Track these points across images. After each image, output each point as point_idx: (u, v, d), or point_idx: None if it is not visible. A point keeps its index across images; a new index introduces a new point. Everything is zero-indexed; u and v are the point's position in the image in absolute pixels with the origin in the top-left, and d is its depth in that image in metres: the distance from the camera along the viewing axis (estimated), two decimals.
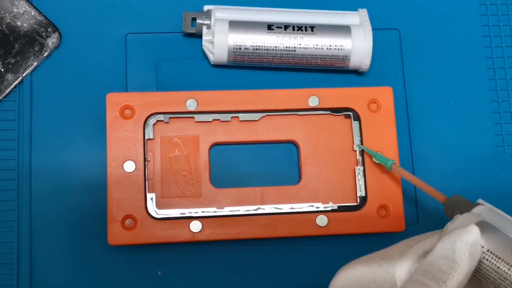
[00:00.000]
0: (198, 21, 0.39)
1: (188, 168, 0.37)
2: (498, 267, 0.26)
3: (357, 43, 0.38)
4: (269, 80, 0.40)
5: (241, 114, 0.38)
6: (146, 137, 0.37)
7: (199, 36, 0.39)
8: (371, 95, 0.38)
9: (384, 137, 0.38)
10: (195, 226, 0.36)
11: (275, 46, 0.38)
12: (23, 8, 0.39)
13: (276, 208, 0.37)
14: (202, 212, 0.36)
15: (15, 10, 0.39)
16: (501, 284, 0.26)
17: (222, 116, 0.38)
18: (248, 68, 0.40)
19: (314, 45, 0.38)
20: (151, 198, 0.36)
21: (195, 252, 0.37)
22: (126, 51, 0.40)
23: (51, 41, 0.39)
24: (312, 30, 0.38)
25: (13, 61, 0.39)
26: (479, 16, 0.43)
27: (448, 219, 0.29)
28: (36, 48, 0.39)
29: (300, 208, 0.37)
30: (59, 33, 0.39)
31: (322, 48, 0.38)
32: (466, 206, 0.29)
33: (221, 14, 0.39)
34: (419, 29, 0.42)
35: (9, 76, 0.38)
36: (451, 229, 0.27)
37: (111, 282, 0.37)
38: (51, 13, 0.39)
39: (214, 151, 0.38)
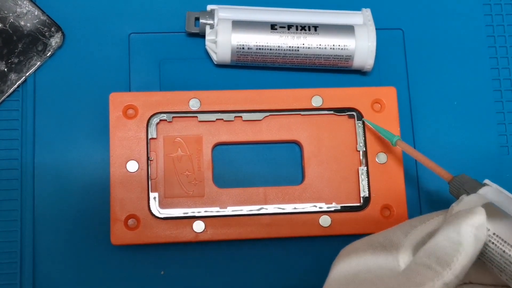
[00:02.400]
0: (201, 20, 0.39)
1: (191, 168, 0.37)
2: (504, 251, 0.25)
3: (360, 43, 0.38)
4: (272, 80, 0.40)
5: (244, 114, 0.38)
6: (149, 137, 0.37)
7: (202, 36, 0.39)
8: (374, 95, 0.38)
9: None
10: (198, 226, 0.36)
11: (279, 46, 0.38)
12: (27, 8, 0.39)
13: (279, 208, 0.37)
14: (205, 212, 0.36)
15: (18, 9, 0.39)
16: (506, 268, 0.25)
17: (225, 116, 0.38)
18: (251, 68, 0.40)
19: (317, 45, 0.38)
20: (154, 198, 0.36)
21: (198, 252, 0.37)
22: (129, 51, 0.40)
23: (54, 41, 0.39)
24: (315, 30, 0.38)
25: (16, 60, 0.39)
26: (483, 16, 0.43)
27: (453, 199, 0.29)
28: (40, 48, 0.39)
29: (303, 208, 0.37)
30: (63, 32, 0.39)
31: (325, 48, 0.38)
32: (473, 186, 0.28)
33: (224, 13, 0.39)
34: (423, 29, 0.42)
35: (13, 76, 0.38)
36: (457, 210, 0.26)
37: (114, 282, 0.37)
38: (55, 13, 0.39)
39: (217, 151, 0.38)
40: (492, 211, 0.26)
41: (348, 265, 0.26)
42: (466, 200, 0.27)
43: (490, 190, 0.28)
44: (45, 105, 0.38)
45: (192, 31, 0.39)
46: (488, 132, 0.41)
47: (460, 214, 0.26)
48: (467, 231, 0.25)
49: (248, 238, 0.36)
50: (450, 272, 0.24)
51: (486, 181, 0.28)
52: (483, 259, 0.26)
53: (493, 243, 0.25)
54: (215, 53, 0.38)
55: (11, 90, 0.38)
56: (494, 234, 0.25)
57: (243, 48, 0.38)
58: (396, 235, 0.27)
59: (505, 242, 0.25)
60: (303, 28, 0.38)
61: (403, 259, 0.26)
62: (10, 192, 0.37)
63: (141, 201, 0.36)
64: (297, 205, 0.37)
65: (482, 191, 0.28)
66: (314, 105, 0.38)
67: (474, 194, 0.27)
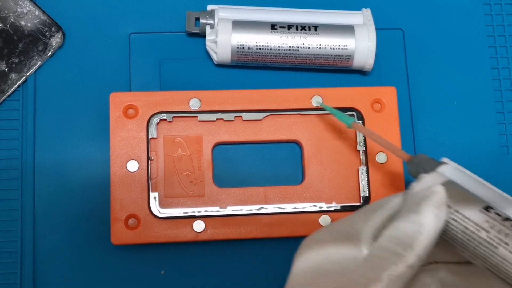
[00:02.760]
0: (201, 20, 0.39)
1: (191, 167, 0.37)
2: (466, 228, 0.25)
3: (360, 43, 0.38)
4: (273, 80, 0.40)
5: (244, 113, 0.38)
6: (150, 137, 0.37)
7: (202, 35, 0.39)
8: (374, 95, 0.38)
9: (387, 137, 0.37)
10: (198, 225, 0.36)
11: (279, 46, 0.38)
12: (27, 8, 0.39)
13: (279, 208, 0.37)
14: (205, 211, 0.36)
15: (19, 9, 0.39)
16: (469, 244, 0.25)
17: (225, 116, 0.38)
18: (252, 67, 0.40)
19: (317, 45, 0.38)
20: (154, 198, 0.36)
21: (198, 251, 0.37)
22: (129, 51, 0.40)
23: (55, 41, 0.39)
24: (315, 30, 0.38)
25: (17, 60, 0.39)
26: (483, 16, 0.43)
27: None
28: (40, 48, 0.39)
29: (303, 208, 0.37)
30: (63, 32, 0.39)
31: (325, 48, 0.38)
32: (431, 165, 0.28)
33: (225, 13, 0.39)
34: (423, 28, 0.42)
35: (13, 76, 0.38)
36: (416, 190, 0.26)
37: (114, 282, 0.37)
38: (55, 13, 0.40)
39: (218, 151, 0.38)
40: (452, 188, 0.26)
41: (311, 257, 0.25)
42: (425, 179, 0.27)
43: (449, 168, 0.27)
44: (46, 105, 0.39)
45: (192, 31, 0.39)
46: (488, 132, 0.41)
47: (420, 194, 0.25)
48: (427, 211, 0.24)
49: (248, 237, 0.36)
50: (413, 254, 0.24)
51: (444, 159, 0.28)
52: (446, 237, 0.26)
53: (454, 220, 0.25)
54: (215, 53, 0.38)
55: (12, 90, 0.38)
56: (455, 211, 0.25)
57: (243, 48, 0.38)
58: (357, 221, 0.26)
59: (466, 218, 0.25)
60: (303, 28, 0.38)
61: (365, 245, 0.25)
62: (10, 192, 0.37)
63: (141, 201, 0.36)
64: (297, 205, 0.37)
65: (441, 169, 0.27)
66: (314, 105, 0.38)
67: (433, 173, 0.27)
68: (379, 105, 0.38)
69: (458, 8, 0.43)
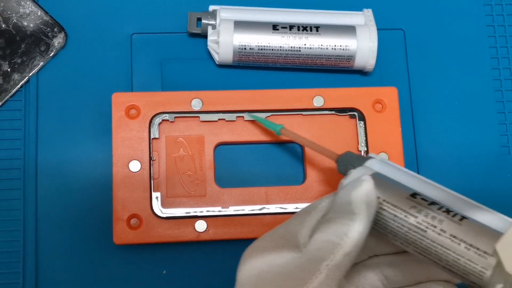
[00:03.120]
0: (203, 21, 0.39)
1: (193, 167, 0.37)
2: (395, 215, 0.26)
3: (362, 43, 0.38)
4: (274, 80, 0.40)
5: (246, 114, 0.38)
6: (152, 137, 0.37)
7: (204, 36, 0.40)
8: (376, 95, 0.38)
9: (389, 138, 0.38)
10: (200, 225, 0.36)
11: (280, 46, 0.38)
12: (30, 8, 0.39)
13: (280, 208, 0.37)
14: (207, 211, 0.36)
15: (21, 10, 0.39)
16: (399, 231, 0.26)
17: (227, 116, 0.38)
18: (253, 68, 0.40)
19: (319, 45, 0.38)
20: (156, 198, 0.36)
21: (200, 251, 0.37)
22: (131, 51, 0.40)
23: (57, 41, 0.39)
24: (317, 30, 0.38)
25: (19, 61, 0.39)
26: (484, 16, 0.43)
27: None
28: (42, 48, 0.39)
29: None
30: (65, 33, 0.39)
31: (327, 48, 0.38)
32: (358, 160, 0.29)
33: (226, 14, 0.39)
34: (424, 29, 0.42)
35: (16, 76, 0.39)
36: (345, 184, 0.27)
37: (117, 281, 0.37)
38: (57, 13, 0.40)
39: (219, 151, 0.38)
40: (380, 181, 0.27)
41: (253, 266, 0.26)
42: (353, 174, 0.28)
43: (375, 162, 0.28)
44: (48, 105, 0.39)
45: (194, 32, 0.39)
46: (489, 132, 0.41)
47: (349, 185, 0.26)
48: (357, 199, 0.25)
49: (250, 237, 0.36)
50: (348, 241, 0.24)
51: (371, 154, 0.29)
52: (377, 227, 0.27)
53: (384, 209, 0.26)
54: (217, 53, 0.38)
55: (14, 90, 0.39)
56: (384, 201, 0.26)
57: (245, 48, 0.38)
58: (294, 224, 0.27)
59: (395, 206, 0.26)
60: (305, 28, 0.38)
61: (303, 245, 0.26)
62: (12, 192, 0.37)
63: (143, 201, 0.36)
64: (298, 205, 0.37)
65: (368, 163, 0.28)
66: (315, 105, 0.38)
67: (360, 167, 0.28)
68: (380, 105, 0.38)
69: (459, 9, 0.43)
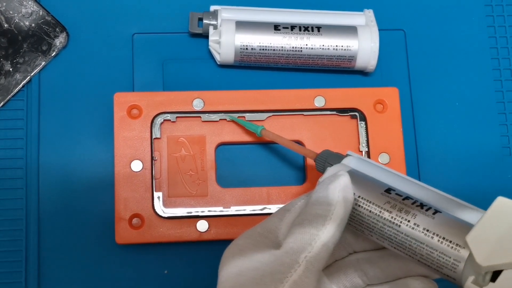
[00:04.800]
0: (204, 21, 0.39)
1: (195, 167, 0.37)
2: (370, 211, 0.26)
3: (363, 44, 0.38)
4: (275, 80, 0.40)
5: (247, 114, 0.38)
6: (153, 137, 0.37)
7: (205, 36, 0.40)
8: (377, 95, 0.38)
9: (390, 138, 0.38)
10: (202, 225, 0.36)
11: (282, 47, 0.38)
12: (32, 8, 0.39)
13: None
14: (209, 211, 0.37)
15: (23, 10, 0.39)
16: (375, 226, 0.26)
17: (228, 116, 0.38)
18: (255, 68, 0.40)
19: (320, 46, 0.38)
20: (158, 197, 0.36)
21: (201, 251, 0.38)
22: (132, 51, 0.40)
23: (59, 41, 0.39)
24: (318, 31, 0.38)
25: (21, 60, 0.39)
26: (484, 17, 0.43)
27: None
28: (44, 48, 0.39)
29: None
30: (67, 33, 0.39)
31: (328, 49, 0.38)
32: (336, 158, 0.29)
33: (228, 14, 0.39)
34: (425, 30, 0.42)
35: (18, 76, 0.39)
36: (322, 179, 0.27)
37: (118, 281, 0.37)
38: (59, 13, 0.40)
39: (220, 151, 0.39)
40: (356, 177, 0.27)
41: (234, 265, 0.26)
42: (330, 170, 0.28)
43: (352, 159, 0.29)
44: (50, 105, 0.39)
45: (195, 32, 0.39)
46: (490, 132, 0.41)
47: (326, 180, 0.27)
48: (334, 192, 0.26)
49: None
50: (325, 231, 0.25)
51: (349, 152, 0.30)
52: (354, 223, 0.27)
53: (359, 205, 0.27)
54: (219, 53, 0.39)
55: (16, 89, 0.39)
56: (359, 197, 0.27)
57: (246, 48, 0.38)
58: (272, 222, 0.27)
59: (370, 202, 0.26)
60: (306, 28, 0.38)
61: (282, 241, 0.26)
62: (15, 191, 0.37)
63: (145, 201, 0.36)
64: None
65: (345, 161, 0.29)
66: (316, 105, 0.38)
67: (337, 164, 0.29)
68: (382, 105, 0.39)
69: (460, 9, 0.43)
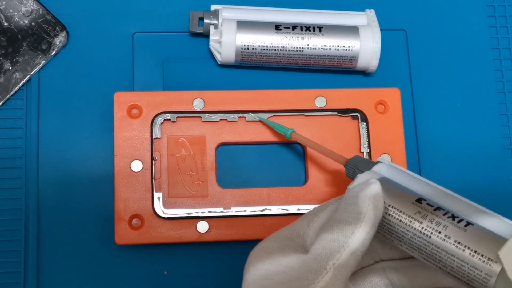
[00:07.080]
0: (205, 20, 0.39)
1: (195, 168, 0.37)
2: (400, 220, 0.26)
3: (365, 44, 0.38)
4: (276, 80, 0.40)
5: (248, 114, 0.38)
6: (153, 137, 0.37)
7: (206, 35, 0.39)
8: (378, 96, 0.38)
9: (391, 139, 0.38)
10: (202, 226, 0.36)
11: (283, 47, 0.38)
12: (31, 7, 0.39)
13: (282, 209, 0.37)
14: (209, 212, 0.36)
15: (23, 8, 0.39)
16: (405, 236, 0.26)
17: (229, 116, 0.38)
18: (256, 68, 0.40)
19: (322, 46, 0.38)
20: (158, 198, 0.36)
21: (201, 252, 0.37)
22: (133, 50, 0.40)
23: (59, 40, 0.39)
24: (320, 31, 0.38)
25: (21, 59, 0.39)
26: (486, 18, 0.43)
27: None
28: (44, 47, 0.39)
29: (306, 209, 0.37)
30: (67, 32, 0.39)
31: (330, 49, 0.38)
32: (367, 165, 0.29)
33: (229, 13, 0.39)
34: (426, 30, 0.42)
35: (17, 75, 0.38)
36: (353, 187, 0.27)
37: (118, 281, 0.37)
38: (59, 12, 0.39)
39: (221, 151, 0.38)
40: (386, 185, 0.27)
41: (260, 267, 0.26)
42: (360, 177, 0.28)
43: (383, 167, 0.28)
44: (50, 104, 0.39)
45: (196, 31, 0.39)
46: (492, 133, 0.41)
47: (356, 188, 0.26)
48: (365, 201, 0.25)
49: (252, 239, 0.36)
50: (355, 239, 0.24)
51: (379, 158, 0.29)
52: (383, 232, 0.27)
53: (389, 214, 0.26)
54: (220, 53, 0.38)
55: (16, 88, 0.38)
56: (389, 205, 0.26)
57: (247, 48, 0.38)
58: (300, 225, 0.27)
59: (400, 211, 0.26)
60: (308, 28, 0.38)
61: (310, 246, 0.26)
62: (14, 191, 0.37)
63: (145, 201, 0.36)
64: (300, 206, 0.37)
65: (376, 168, 0.29)
66: (317, 105, 0.38)
67: (368, 172, 0.28)
68: (383, 106, 0.38)
69: (461, 10, 0.43)
